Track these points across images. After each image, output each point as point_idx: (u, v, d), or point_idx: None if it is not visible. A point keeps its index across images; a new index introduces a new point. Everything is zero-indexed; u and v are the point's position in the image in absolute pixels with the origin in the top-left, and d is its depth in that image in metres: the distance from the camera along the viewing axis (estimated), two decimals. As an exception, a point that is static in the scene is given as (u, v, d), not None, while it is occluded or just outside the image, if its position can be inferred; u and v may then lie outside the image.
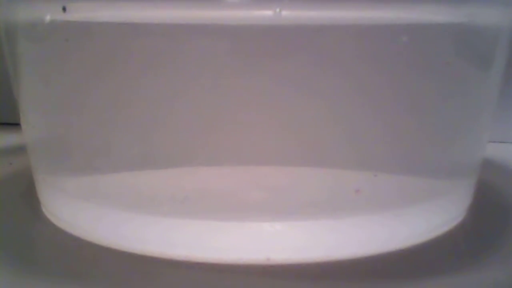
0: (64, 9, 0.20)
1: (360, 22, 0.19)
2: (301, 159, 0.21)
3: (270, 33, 0.19)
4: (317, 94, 0.20)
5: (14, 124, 0.26)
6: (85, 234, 0.22)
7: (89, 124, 0.22)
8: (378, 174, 0.21)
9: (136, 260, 0.21)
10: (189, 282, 0.20)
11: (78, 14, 0.20)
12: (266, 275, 0.20)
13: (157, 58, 0.20)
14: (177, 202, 0.21)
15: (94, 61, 0.21)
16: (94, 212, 0.22)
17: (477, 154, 0.25)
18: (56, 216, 0.24)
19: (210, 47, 0.19)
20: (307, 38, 0.19)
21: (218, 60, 0.19)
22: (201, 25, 0.19)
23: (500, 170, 0.32)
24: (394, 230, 0.22)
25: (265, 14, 0.19)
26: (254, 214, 0.21)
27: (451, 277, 0.20)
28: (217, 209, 0.21)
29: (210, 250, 0.21)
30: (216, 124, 0.20)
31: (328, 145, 0.21)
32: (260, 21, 0.19)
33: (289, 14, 0.19)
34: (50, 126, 0.23)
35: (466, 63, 0.22)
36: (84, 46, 0.21)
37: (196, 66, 0.20)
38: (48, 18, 0.21)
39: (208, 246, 0.21)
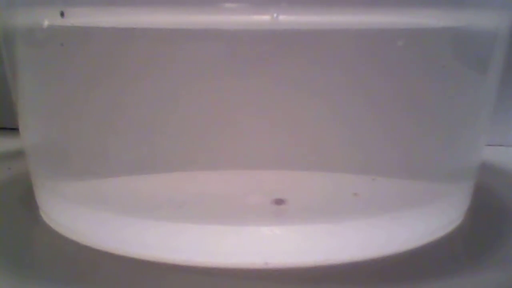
0: (62, 14, 0.20)
1: (358, 27, 0.20)
2: (299, 163, 0.21)
3: (267, 38, 0.19)
4: (315, 98, 0.20)
5: (12, 129, 0.27)
6: (84, 238, 0.22)
7: (87, 129, 0.22)
8: (377, 178, 0.21)
9: (135, 264, 0.21)
10: (187, 286, 0.20)
11: (76, 19, 0.20)
12: (264, 279, 0.20)
13: (155, 63, 0.20)
14: (175, 207, 0.21)
15: (92, 66, 0.21)
16: (92, 217, 0.22)
17: (474, 157, 0.25)
18: (54, 221, 0.24)
19: (207, 52, 0.19)
20: (305, 43, 0.19)
21: (215, 65, 0.19)
22: (199, 30, 0.19)
23: (497, 173, 0.32)
24: (393, 233, 0.22)
25: (262, 19, 0.19)
26: (253, 218, 0.21)
27: (449, 280, 0.20)
28: (215, 213, 0.21)
29: (208, 254, 0.21)
30: (214, 128, 0.20)
31: (327, 149, 0.21)
32: (257, 26, 0.19)
33: (286, 19, 0.19)
34: (49, 131, 0.23)
35: (463, 66, 0.22)
36: (82, 51, 0.21)
37: (193, 71, 0.20)
38: (46, 23, 0.21)
39: (206, 250, 0.21)
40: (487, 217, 0.26)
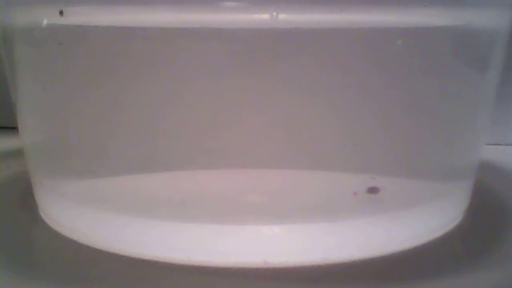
0: (61, 13, 0.20)
1: (357, 26, 0.20)
2: (299, 162, 0.21)
3: (267, 36, 0.19)
4: (315, 97, 0.20)
5: (12, 128, 0.26)
6: (83, 238, 0.22)
7: (86, 128, 0.22)
8: (376, 177, 0.21)
9: (134, 263, 0.21)
10: (187, 285, 0.20)
11: (75, 18, 0.20)
12: (263, 278, 0.20)
13: (154, 62, 0.20)
14: (175, 206, 0.21)
15: (91, 65, 0.21)
16: (91, 216, 0.22)
17: (474, 157, 0.25)
18: (54, 220, 0.24)
19: (207, 50, 0.19)
20: (304, 42, 0.19)
21: (215, 64, 0.19)
22: (198, 28, 0.19)
23: (497, 172, 0.32)
24: (392, 232, 0.22)
25: (262, 18, 0.19)
26: (252, 217, 0.21)
27: (449, 279, 0.20)
28: (215, 213, 0.21)
29: (208, 254, 0.21)
30: (214, 127, 0.20)
31: (326, 148, 0.21)
32: (257, 24, 0.19)
33: (285, 18, 0.19)
34: (48, 130, 0.23)
35: (463, 65, 0.22)
36: (81, 50, 0.21)
37: (193, 70, 0.20)
38: (45, 22, 0.21)
39: (206, 250, 0.21)
40: (487, 216, 0.26)
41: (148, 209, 0.21)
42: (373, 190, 0.21)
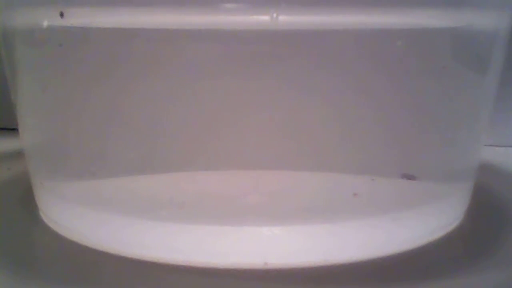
0: (61, 14, 0.20)
1: (357, 27, 0.20)
2: (299, 163, 0.21)
3: (267, 38, 0.19)
4: (314, 98, 0.20)
5: (12, 129, 0.27)
6: (83, 239, 0.22)
7: (87, 129, 0.22)
8: (376, 178, 0.21)
9: (135, 265, 0.21)
10: (187, 286, 0.20)
11: (75, 19, 0.20)
12: (263, 280, 0.20)
13: (155, 63, 0.20)
14: (175, 207, 0.21)
15: (91, 66, 0.21)
16: (92, 217, 0.22)
17: (474, 158, 0.25)
18: (54, 222, 0.24)
19: (207, 52, 0.19)
20: (304, 43, 0.19)
21: (215, 65, 0.19)
22: (198, 30, 0.19)
23: (497, 174, 0.32)
24: (392, 233, 0.22)
25: (262, 19, 0.19)
26: (252, 218, 0.21)
27: (449, 280, 0.20)
28: (215, 214, 0.21)
29: (208, 255, 0.21)
30: (214, 129, 0.20)
31: (326, 149, 0.21)
32: (257, 26, 0.19)
33: (286, 19, 0.19)
34: (48, 131, 0.23)
35: (463, 67, 0.22)
36: (81, 51, 0.21)
37: (193, 71, 0.20)
38: (45, 23, 0.21)
39: (206, 251, 0.21)
40: (487, 217, 0.26)
41: (148, 210, 0.21)
42: (409, 177, 0.20)
